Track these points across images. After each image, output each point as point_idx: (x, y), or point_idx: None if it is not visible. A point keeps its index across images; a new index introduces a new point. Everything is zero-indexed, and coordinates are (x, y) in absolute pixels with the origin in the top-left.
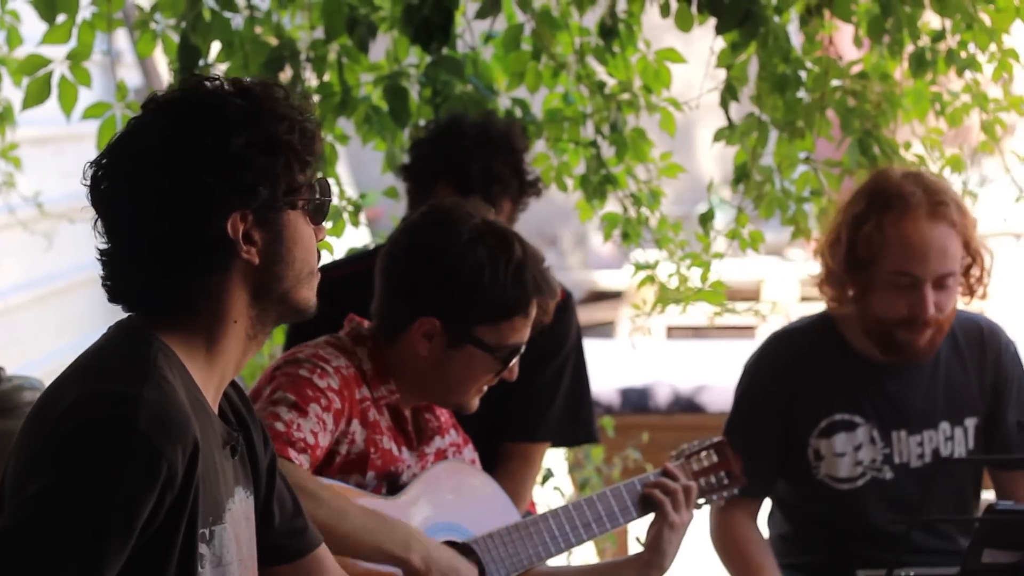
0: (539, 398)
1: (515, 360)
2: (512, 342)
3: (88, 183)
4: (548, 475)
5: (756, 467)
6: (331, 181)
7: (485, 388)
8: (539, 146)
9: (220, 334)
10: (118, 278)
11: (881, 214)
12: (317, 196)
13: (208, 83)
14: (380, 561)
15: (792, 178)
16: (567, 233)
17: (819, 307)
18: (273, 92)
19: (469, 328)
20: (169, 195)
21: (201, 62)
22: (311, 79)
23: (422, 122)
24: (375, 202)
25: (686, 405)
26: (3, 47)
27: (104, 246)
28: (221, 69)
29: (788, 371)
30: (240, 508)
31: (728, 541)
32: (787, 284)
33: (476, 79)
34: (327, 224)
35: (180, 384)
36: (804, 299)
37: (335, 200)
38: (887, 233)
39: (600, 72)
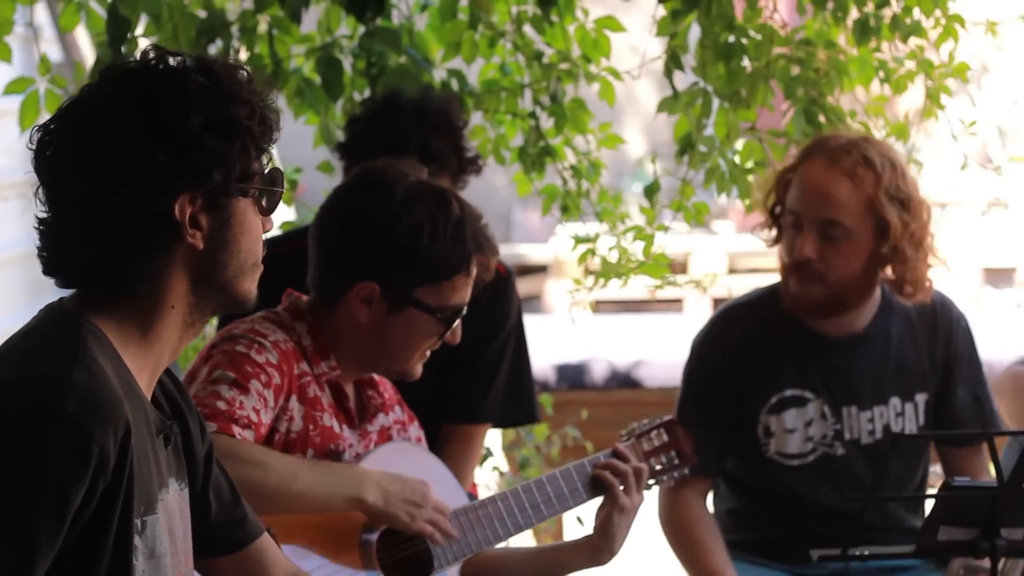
0: (480, 378)
1: (458, 321)
2: (454, 302)
3: (33, 147)
4: (487, 455)
5: (707, 444)
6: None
7: (428, 353)
8: (476, 118)
9: (156, 319)
10: (55, 250)
11: (799, 164)
12: (270, 186)
13: (171, 57)
14: (338, 508)
15: (736, 148)
16: (491, 207)
17: (748, 280)
18: (237, 74)
19: (409, 290)
20: (117, 168)
21: (129, 35)
22: (241, 51)
23: (356, 96)
24: (301, 177)
25: (623, 380)
26: None
27: (43, 215)
28: (149, 42)
29: (738, 346)
30: (174, 500)
31: (676, 522)
32: (715, 257)
33: (412, 50)
34: (274, 216)
35: (111, 368)
36: (732, 271)
37: None
38: (793, 178)
39: (538, 42)
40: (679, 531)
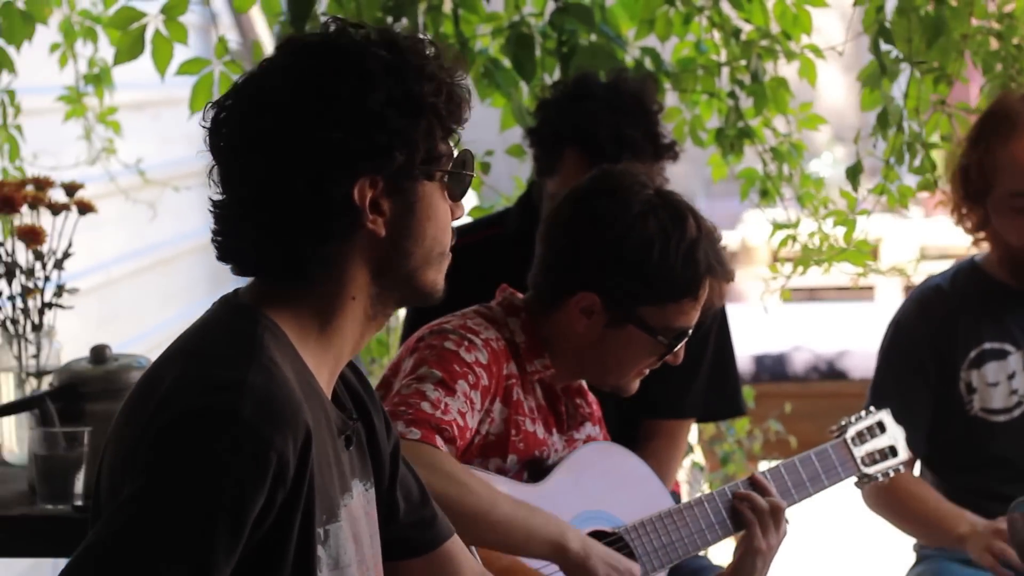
0: (683, 372)
1: (681, 345)
2: (678, 325)
3: (208, 126)
4: (687, 451)
5: (911, 420)
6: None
7: (647, 371)
8: (671, 99)
9: (336, 312)
10: (229, 234)
11: (990, 138)
12: (459, 169)
13: (352, 30)
14: (534, 549)
15: (923, 120)
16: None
17: (940, 266)
18: (422, 47)
19: (632, 308)
20: (294, 148)
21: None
22: (425, 31)
23: (547, 77)
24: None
25: (826, 371)
26: (99, 4)
27: (218, 197)
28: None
29: (935, 313)
30: (359, 503)
31: (892, 494)
32: (907, 242)
33: (605, 27)
34: (465, 202)
35: (290, 368)
36: (923, 258)
37: None
38: (997, 156)
39: (735, 18)
40: (896, 500)
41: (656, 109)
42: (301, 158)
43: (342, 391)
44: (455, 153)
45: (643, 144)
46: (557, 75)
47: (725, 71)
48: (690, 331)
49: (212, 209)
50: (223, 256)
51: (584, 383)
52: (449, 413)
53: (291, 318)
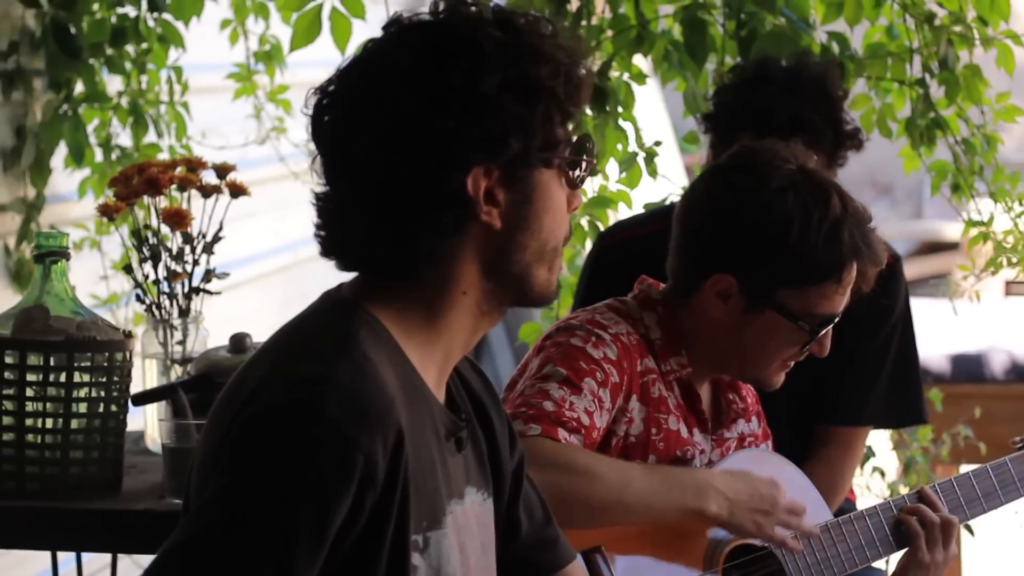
0: (862, 375)
1: (826, 332)
2: (822, 311)
3: (310, 113)
4: (868, 455)
5: None
6: (628, 127)
7: (791, 363)
8: (859, 86)
9: (444, 307)
10: (334, 228)
11: None
12: (577, 155)
13: (466, 8)
14: (676, 519)
15: None
16: (902, 180)
17: None
18: (540, 27)
19: (771, 290)
20: (403, 137)
21: None
22: (604, 11)
23: (728, 59)
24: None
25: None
26: None
27: (322, 189)
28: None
29: None
30: (472, 511)
31: None
32: None
33: (788, 10)
34: (583, 192)
35: (388, 363)
36: None
37: (631, 146)
38: None
39: (929, 1)
40: None
41: (840, 95)
42: (410, 148)
43: (459, 393)
44: (573, 138)
45: (823, 129)
46: (739, 60)
47: (917, 58)
48: (836, 318)
49: (315, 202)
50: (327, 251)
51: None
52: (574, 410)
53: (395, 313)
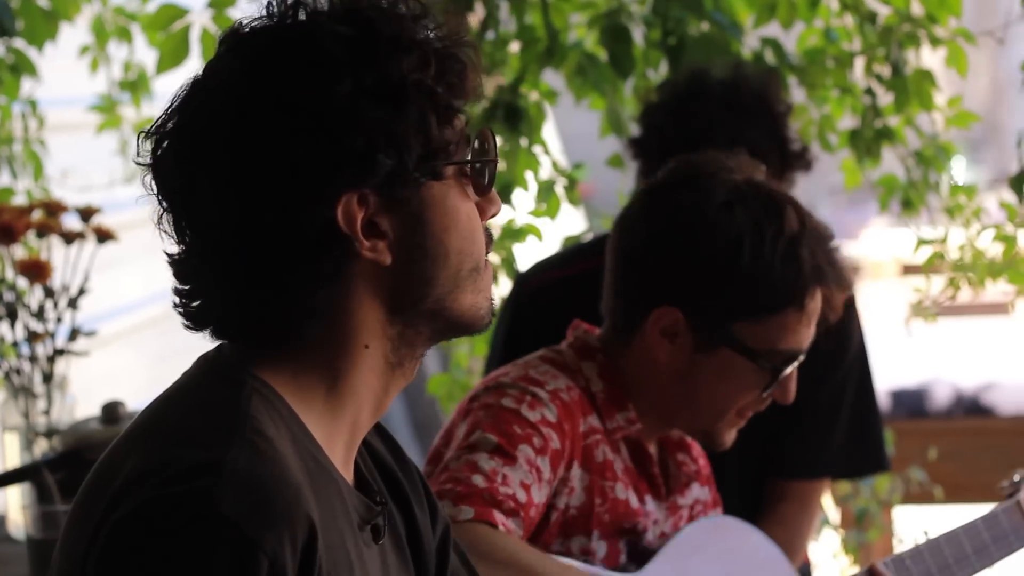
0: (817, 423)
1: (789, 372)
2: (784, 346)
3: (146, 160)
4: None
5: None
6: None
7: (748, 415)
8: (796, 95)
9: (345, 366)
10: (193, 294)
11: None
12: (476, 156)
13: (303, 5)
14: None
15: None
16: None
17: None
18: (394, 9)
19: (724, 324)
20: (248, 173)
21: None
22: (508, 22)
23: (652, 73)
24: (586, 176)
25: (969, 406)
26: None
27: (174, 249)
28: None
29: None
30: None
31: None
32: None
33: (718, 14)
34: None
35: (289, 442)
36: None
37: (545, 171)
38: None
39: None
40: None
41: (783, 110)
42: (259, 185)
43: (368, 468)
44: (468, 137)
45: (769, 150)
46: (664, 71)
47: (859, 62)
48: (801, 355)
49: (171, 265)
50: (192, 321)
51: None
52: (509, 485)
53: (290, 379)
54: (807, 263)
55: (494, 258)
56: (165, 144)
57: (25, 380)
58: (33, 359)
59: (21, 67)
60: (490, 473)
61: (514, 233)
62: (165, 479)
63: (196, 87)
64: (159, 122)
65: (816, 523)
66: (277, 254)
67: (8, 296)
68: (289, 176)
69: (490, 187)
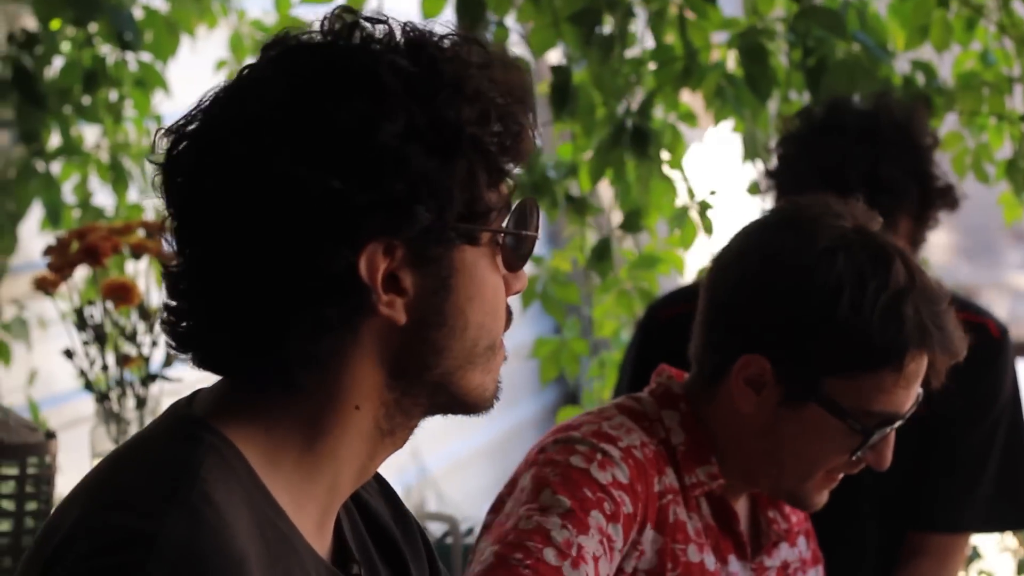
0: (962, 474)
1: (885, 437)
2: (878, 408)
3: (161, 164)
4: (973, 556)
5: None
6: (682, 178)
7: (838, 477)
8: (949, 122)
9: (329, 425)
10: (186, 314)
11: None
12: (515, 228)
13: (368, 26)
14: None
15: None
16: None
17: None
18: (467, 54)
19: (814, 378)
20: (272, 200)
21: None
22: (647, 39)
23: (795, 96)
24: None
25: None
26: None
27: (174, 262)
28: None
29: None
30: None
31: None
32: None
33: (863, 35)
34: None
35: (242, 506)
36: None
37: (682, 198)
38: None
39: None
40: None
41: (928, 143)
42: (282, 215)
43: (356, 531)
44: (511, 204)
45: (906, 186)
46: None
47: (1019, 88)
48: (898, 420)
49: (165, 277)
50: (177, 342)
51: None
52: (583, 562)
53: (261, 435)
54: (910, 322)
55: (629, 288)
56: (183, 146)
57: (116, 405)
58: (123, 384)
59: (148, 81)
60: (563, 545)
61: (651, 261)
62: (95, 548)
63: (230, 91)
64: (182, 121)
65: None
66: (286, 291)
67: (97, 319)
68: (317, 209)
69: (523, 264)
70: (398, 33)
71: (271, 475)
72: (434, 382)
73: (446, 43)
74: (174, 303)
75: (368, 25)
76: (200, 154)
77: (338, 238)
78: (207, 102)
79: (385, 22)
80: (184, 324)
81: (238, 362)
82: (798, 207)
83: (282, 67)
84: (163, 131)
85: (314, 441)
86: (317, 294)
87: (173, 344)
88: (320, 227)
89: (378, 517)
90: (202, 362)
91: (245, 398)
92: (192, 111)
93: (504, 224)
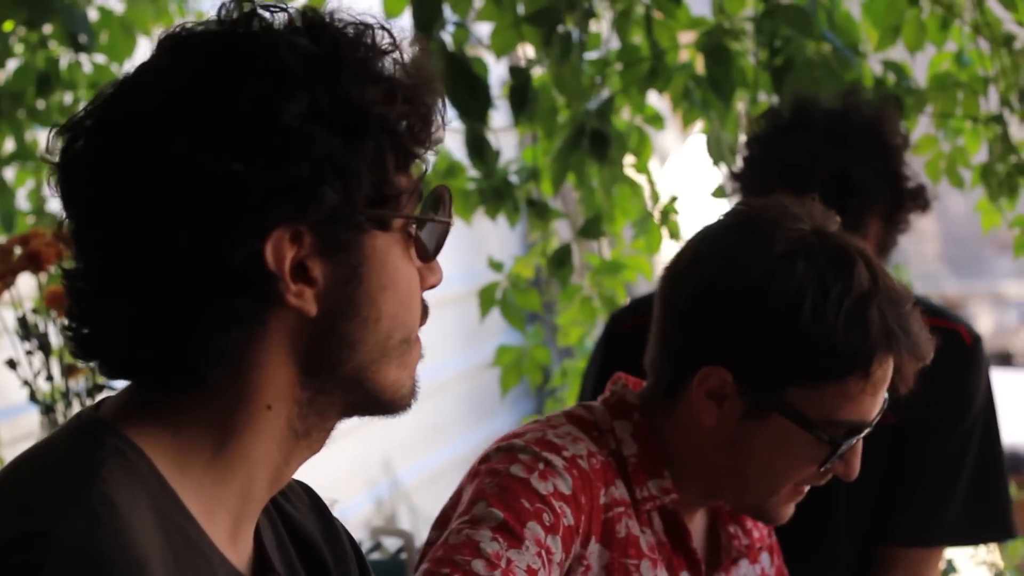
0: (934, 486)
1: (852, 446)
2: (845, 417)
3: (58, 156)
4: (948, 570)
5: None
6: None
7: (805, 490)
8: (923, 126)
9: (239, 427)
10: (89, 320)
11: None
12: (429, 213)
13: (266, 12)
14: None
15: None
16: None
17: None
18: (366, 35)
19: (778, 388)
20: (171, 188)
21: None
22: (611, 39)
23: (765, 97)
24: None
25: None
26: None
27: (73, 263)
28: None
29: None
30: None
31: None
32: None
33: (832, 35)
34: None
35: (146, 510)
36: None
37: (647, 204)
38: None
39: (1007, 20)
40: None
41: (898, 143)
42: (184, 202)
43: (279, 542)
44: (422, 193)
45: (877, 188)
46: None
47: (994, 90)
48: (866, 428)
49: (64, 282)
50: (84, 351)
51: None
52: (512, 574)
53: (168, 438)
54: (876, 326)
55: (593, 295)
56: (79, 143)
57: (62, 417)
58: (67, 396)
59: (105, 84)
60: (493, 557)
61: (616, 267)
62: None
63: (124, 84)
64: (76, 118)
65: None
66: (191, 281)
67: (42, 327)
68: (219, 195)
69: (436, 253)
70: (298, 19)
71: (180, 479)
72: (348, 378)
73: (346, 26)
74: (75, 309)
75: (267, 13)
76: (96, 149)
77: (242, 224)
78: (101, 98)
79: (285, 10)
80: (86, 330)
81: (144, 362)
82: (754, 209)
83: (176, 55)
84: (57, 129)
85: (225, 443)
86: (223, 284)
87: (78, 353)
88: (223, 213)
89: (302, 530)
90: (109, 368)
91: (152, 400)
92: (87, 107)
93: (416, 212)
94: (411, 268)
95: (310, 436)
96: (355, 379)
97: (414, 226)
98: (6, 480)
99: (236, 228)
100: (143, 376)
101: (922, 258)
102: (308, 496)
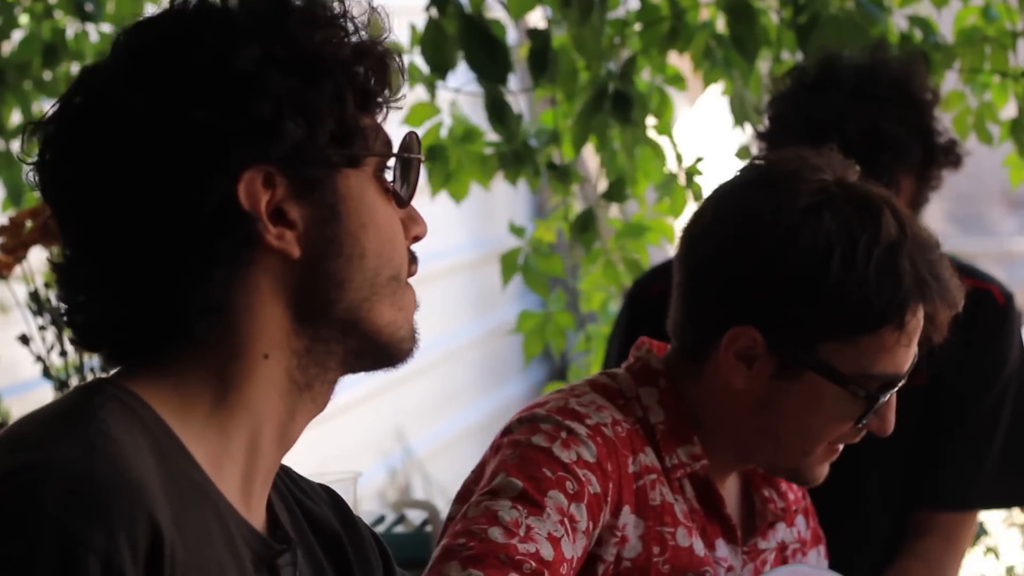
0: (967, 448)
1: (888, 402)
2: (880, 370)
3: (35, 162)
4: (979, 532)
5: None
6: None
7: (839, 448)
8: (950, 81)
9: (238, 377)
10: (80, 306)
11: None
12: (401, 152)
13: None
14: None
15: None
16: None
17: None
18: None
19: (809, 345)
20: (140, 144)
21: None
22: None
23: (787, 55)
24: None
25: None
26: None
27: (60, 256)
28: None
29: None
30: None
31: None
32: None
33: None
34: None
35: (148, 453)
36: None
37: (671, 166)
38: None
39: None
40: None
41: (928, 98)
42: (152, 155)
43: (295, 522)
44: (390, 141)
45: (908, 144)
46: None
47: (1023, 44)
48: (900, 380)
49: (55, 274)
50: (84, 340)
51: None
52: (532, 540)
53: (168, 389)
54: (907, 275)
55: (616, 258)
56: (51, 135)
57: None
58: (81, 371)
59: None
60: (510, 525)
61: (639, 230)
62: None
63: (84, 74)
64: (45, 117)
65: (962, 560)
66: (168, 231)
67: (55, 301)
68: (184, 143)
69: (410, 195)
70: None
71: (183, 428)
72: (341, 319)
73: None
74: (70, 294)
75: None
76: (69, 135)
77: (211, 168)
78: (66, 94)
79: None
80: (77, 313)
81: (135, 324)
82: (772, 163)
83: (133, 33)
84: (30, 131)
85: (225, 394)
86: (200, 230)
87: (79, 342)
88: (190, 160)
89: (322, 520)
90: (112, 351)
91: (151, 357)
92: (54, 105)
93: (385, 149)
94: (389, 209)
95: (312, 388)
96: (349, 320)
97: (386, 170)
98: (9, 429)
99: (206, 174)
100: (137, 340)
101: (929, 218)
102: (327, 493)
